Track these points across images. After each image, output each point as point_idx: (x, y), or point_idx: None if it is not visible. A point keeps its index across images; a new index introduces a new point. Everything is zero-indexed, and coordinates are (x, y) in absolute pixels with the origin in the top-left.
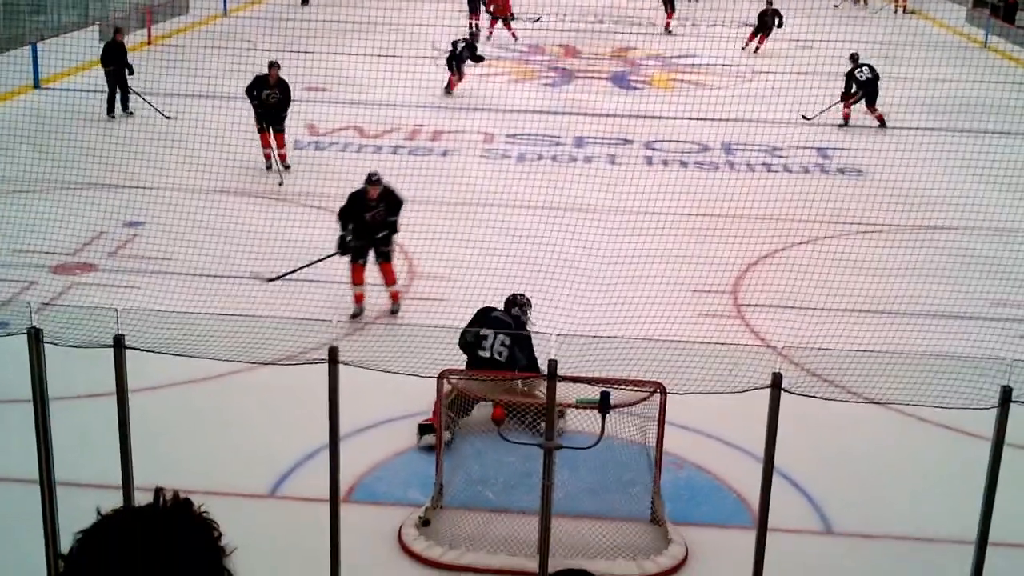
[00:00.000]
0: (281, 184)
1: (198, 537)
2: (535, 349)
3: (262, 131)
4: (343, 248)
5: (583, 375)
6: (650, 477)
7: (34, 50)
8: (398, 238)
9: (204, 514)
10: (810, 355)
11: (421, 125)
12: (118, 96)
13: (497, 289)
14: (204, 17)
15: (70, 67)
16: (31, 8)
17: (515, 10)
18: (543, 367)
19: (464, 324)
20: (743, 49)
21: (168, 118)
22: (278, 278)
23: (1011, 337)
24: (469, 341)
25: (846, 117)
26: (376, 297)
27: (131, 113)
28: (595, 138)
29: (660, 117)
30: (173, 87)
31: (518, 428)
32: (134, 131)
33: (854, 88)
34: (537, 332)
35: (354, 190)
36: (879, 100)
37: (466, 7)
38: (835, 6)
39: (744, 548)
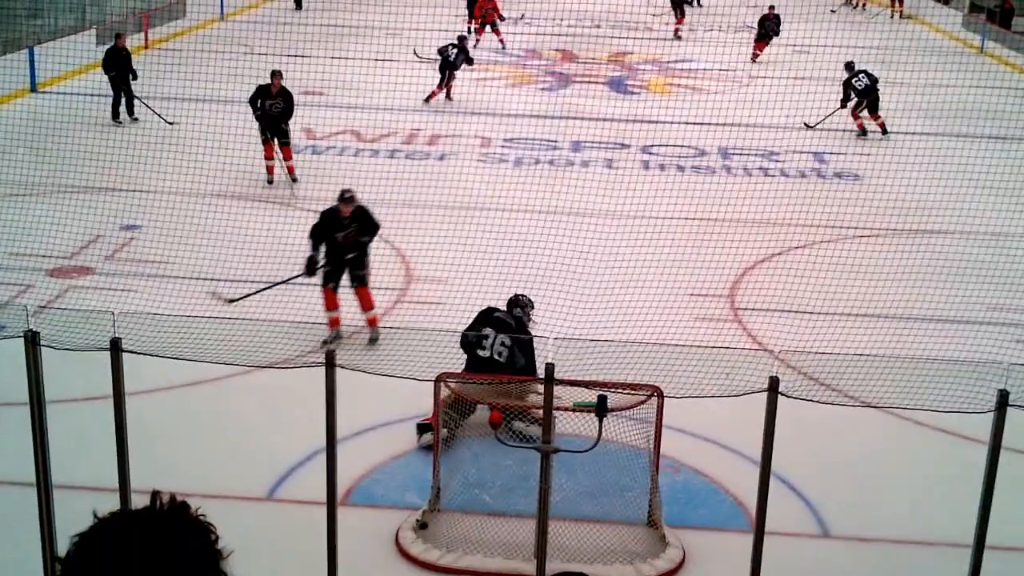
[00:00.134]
0: (292, 191)
1: (195, 540)
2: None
3: (266, 142)
4: (310, 269)
5: (580, 379)
6: (647, 480)
7: (31, 54)
8: (399, 242)
9: (201, 517)
10: (807, 359)
11: (418, 129)
12: (123, 101)
13: (494, 293)
14: (201, 21)
15: (67, 71)
16: (28, 12)
17: (503, 12)
18: (540, 371)
19: (461, 327)
20: (753, 60)
21: (170, 124)
22: (239, 299)
23: (1007, 341)
24: (470, 340)
25: (861, 128)
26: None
27: (136, 119)
28: (592, 142)
29: (657, 121)
30: (170, 91)
31: (514, 432)
32: (131, 135)
33: (853, 97)
34: (534, 336)
35: (326, 208)
36: (881, 107)
37: (464, 11)
38: (832, 11)
39: (741, 551)
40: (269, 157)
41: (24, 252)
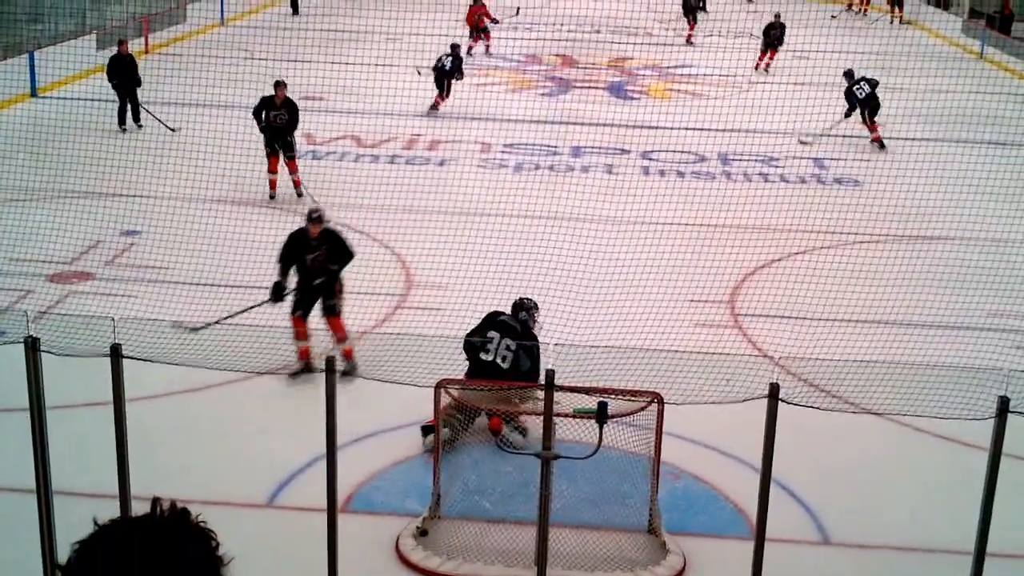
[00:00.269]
0: (301, 196)
1: (196, 546)
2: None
3: (271, 155)
4: (276, 295)
5: (580, 385)
6: (647, 487)
7: (31, 58)
8: (399, 247)
9: (202, 523)
10: (807, 365)
11: (418, 135)
12: (129, 108)
13: (494, 298)
14: (201, 26)
15: (67, 76)
16: (28, 16)
17: (495, 15)
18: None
19: (462, 333)
20: (757, 69)
21: (173, 131)
22: (204, 327)
23: (1008, 348)
24: (474, 344)
25: (879, 141)
26: (365, 310)
27: (142, 126)
28: (592, 148)
29: (657, 127)
30: (171, 96)
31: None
32: (131, 140)
33: (857, 107)
34: (535, 342)
35: (294, 230)
36: (880, 113)
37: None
38: (832, 16)
39: (742, 558)
40: (273, 171)
41: (24, 258)
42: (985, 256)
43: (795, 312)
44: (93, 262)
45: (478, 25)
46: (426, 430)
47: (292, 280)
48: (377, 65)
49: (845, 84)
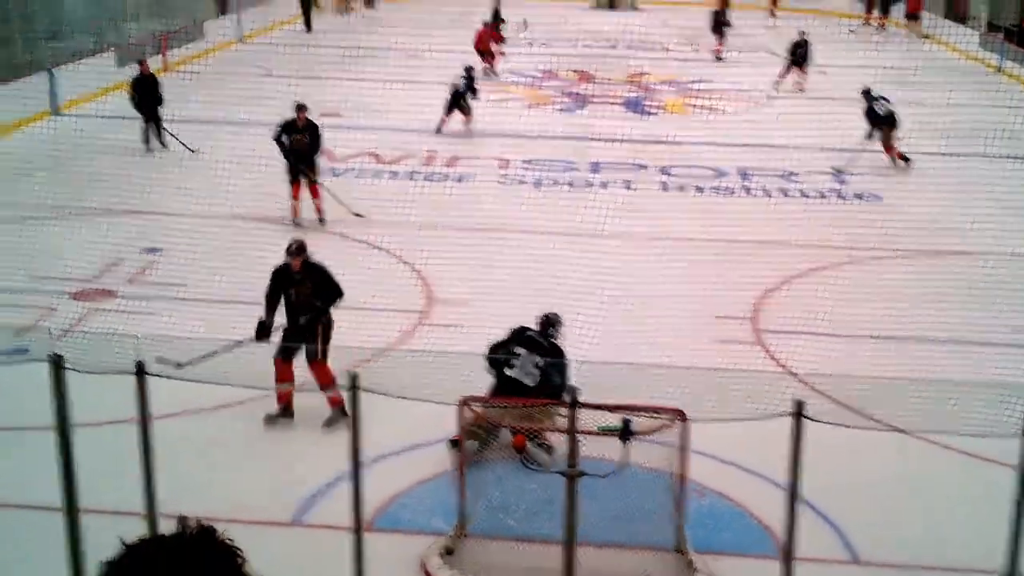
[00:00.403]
0: (323, 222)
1: (223, 565)
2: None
3: (294, 181)
4: (261, 334)
5: (603, 402)
6: (672, 505)
7: (51, 76)
8: (419, 264)
9: (228, 541)
10: (831, 382)
11: (436, 151)
12: (151, 128)
13: (516, 315)
14: (219, 43)
15: (87, 93)
16: (47, 34)
17: (504, 33)
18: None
19: (484, 349)
20: (778, 85)
21: (192, 151)
22: (188, 363)
23: None
24: (499, 359)
25: (901, 157)
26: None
27: (166, 146)
28: (610, 163)
29: (675, 142)
30: (190, 114)
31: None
32: (151, 158)
33: (878, 126)
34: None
35: (277, 265)
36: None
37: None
38: (850, 31)
39: None
40: (296, 197)
41: (46, 275)
42: (1008, 272)
43: (817, 328)
44: (115, 280)
45: (487, 49)
46: (454, 443)
47: (280, 319)
48: (395, 82)
49: (863, 101)
